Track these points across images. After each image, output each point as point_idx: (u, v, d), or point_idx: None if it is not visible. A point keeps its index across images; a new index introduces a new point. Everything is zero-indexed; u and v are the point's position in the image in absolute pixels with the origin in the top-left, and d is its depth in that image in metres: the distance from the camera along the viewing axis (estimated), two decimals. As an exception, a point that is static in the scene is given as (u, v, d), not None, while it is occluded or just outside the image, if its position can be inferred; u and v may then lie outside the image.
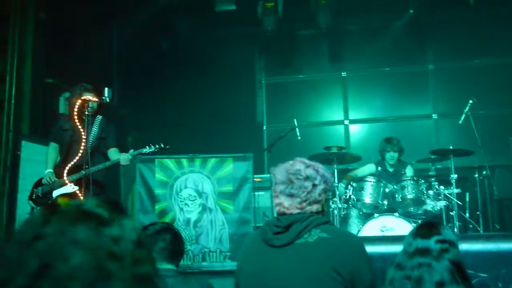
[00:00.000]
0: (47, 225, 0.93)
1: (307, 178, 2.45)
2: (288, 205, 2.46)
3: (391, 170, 7.11)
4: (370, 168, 7.26)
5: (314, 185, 2.45)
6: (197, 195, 8.00)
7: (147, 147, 5.46)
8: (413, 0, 8.64)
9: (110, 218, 0.96)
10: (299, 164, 2.49)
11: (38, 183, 5.56)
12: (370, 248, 2.50)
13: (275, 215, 7.14)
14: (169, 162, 8.01)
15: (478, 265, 2.75)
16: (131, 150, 5.45)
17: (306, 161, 2.53)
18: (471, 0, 8.27)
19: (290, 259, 2.38)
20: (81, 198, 5.07)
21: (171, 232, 3.02)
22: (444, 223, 6.39)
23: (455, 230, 6.24)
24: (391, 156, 7.02)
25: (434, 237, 2.41)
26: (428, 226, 2.53)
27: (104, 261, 0.90)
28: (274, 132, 9.16)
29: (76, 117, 5.33)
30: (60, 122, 5.65)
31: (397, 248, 3.64)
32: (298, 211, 2.45)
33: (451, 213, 6.51)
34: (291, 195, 2.45)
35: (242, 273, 2.58)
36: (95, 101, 5.26)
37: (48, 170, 5.55)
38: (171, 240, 3.01)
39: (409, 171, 7.05)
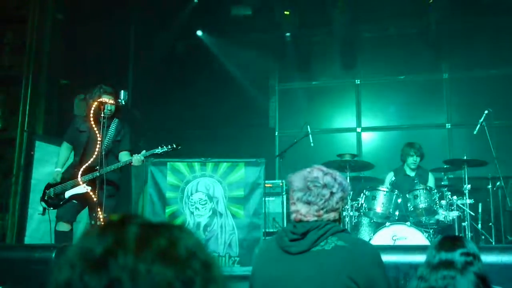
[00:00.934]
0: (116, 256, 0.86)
1: (325, 186, 2.45)
2: (305, 212, 2.46)
3: (412, 174, 7.18)
4: (389, 177, 7.31)
5: (332, 193, 2.45)
6: (208, 199, 8.01)
7: (159, 147, 5.49)
8: (431, 8, 8.62)
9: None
10: (317, 172, 2.49)
11: (50, 184, 5.59)
12: (384, 257, 2.49)
13: (285, 221, 7.15)
14: (181, 166, 8.03)
15: (493, 277, 2.72)
16: (143, 151, 5.48)
17: (324, 168, 2.52)
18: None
19: (306, 267, 2.38)
20: (94, 198, 5.10)
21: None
22: (456, 233, 6.36)
23: (468, 241, 6.19)
24: (413, 160, 7.12)
25: (459, 250, 2.40)
26: (452, 239, 2.53)
27: None
28: (286, 138, 9.15)
29: (92, 118, 5.37)
30: (77, 123, 5.69)
31: (411, 258, 3.63)
32: (315, 218, 2.45)
33: (463, 223, 6.48)
34: (308, 203, 2.45)
35: (257, 279, 2.57)
36: (112, 104, 5.29)
37: (56, 169, 5.61)
38: None
39: (431, 179, 7.13)
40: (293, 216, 2.53)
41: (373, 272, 2.38)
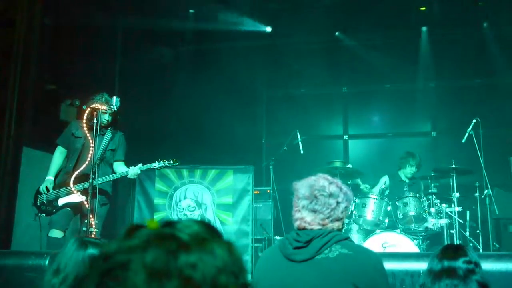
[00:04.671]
0: (118, 247, 0.86)
1: (331, 195, 2.47)
2: (311, 220, 2.46)
3: (407, 181, 7.34)
4: (384, 180, 7.40)
5: (338, 203, 2.47)
6: (196, 205, 8.00)
7: (156, 162, 5.48)
8: (418, 18, 8.72)
9: (190, 243, 0.87)
10: (323, 181, 2.50)
11: (41, 191, 5.53)
12: (382, 265, 2.51)
13: (273, 228, 7.12)
14: (170, 172, 8.01)
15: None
16: (140, 164, 5.46)
17: (329, 177, 2.54)
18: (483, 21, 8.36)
19: (310, 274, 2.39)
20: (87, 206, 5.06)
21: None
22: (445, 241, 6.43)
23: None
24: (411, 170, 7.35)
25: (461, 258, 2.43)
26: (454, 248, 2.56)
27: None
28: (274, 145, 9.17)
29: (85, 125, 5.34)
30: (72, 129, 5.64)
31: (407, 265, 3.66)
32: (320, 227, 2.46)
33: (451, 231, 6.55)
34: (314, 211, 2.46)
35: (260, 287, 2.57)
36: (105, 110, 5.27)
37: (48, 178, 5.53)
38: None
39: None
40: (296, 223, 2.53)
41: (376, 280, 2.40)
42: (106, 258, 0.85)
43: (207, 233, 0.91)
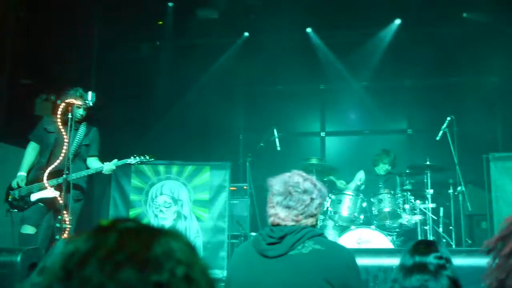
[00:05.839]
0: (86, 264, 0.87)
1: (305, 191, 2.48)
2: (284, 216, 2.48)
3: (382, 173, 7.45)
4: (359, 175, 7.46)
5: (312, 199, 2.49)
6: (172, 202, 7.97)
7: (132, 157, 5.44)
8: (394, 17, 8.81)
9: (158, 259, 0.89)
10: (297, 177, 2.52)
11: (13, 186, 5.45)
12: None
13: (249, 224, 7.13)
14: (146, 168, 7.96)
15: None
16: (115, 160, 5.42)
17: (304, 174, 2.55)
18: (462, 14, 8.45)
19: (284, 270, 2.39)
20: (60, 201, 5.00)
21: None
22: (419, 236, 6.51)
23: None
24: (385, 168, 7.41)
25: (432, 254, 2.46)
26: (426, 243, 2.59)
27: None
28: (251, 141, 9.17)
29: (59, 120, 5.27)
30: (45, 124, 5.58)
31: (380, 261, 3.70)
32: (293, 223, 2.47)
33: (425, 227, 6.64)
34: (288, 207, 2.47)
35: (234, 283, 2.57)
36: (80, 105, 5.21)
37: (20, 173, 5.46)
38: None
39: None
40: (270, 219, 2.54)
41: (349, 276, 2.42)
42: (69, 255, 0.88)
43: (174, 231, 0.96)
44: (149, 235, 0.92)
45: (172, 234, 0.96)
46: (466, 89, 8.95)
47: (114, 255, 0.86)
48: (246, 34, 9.57)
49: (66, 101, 5.11)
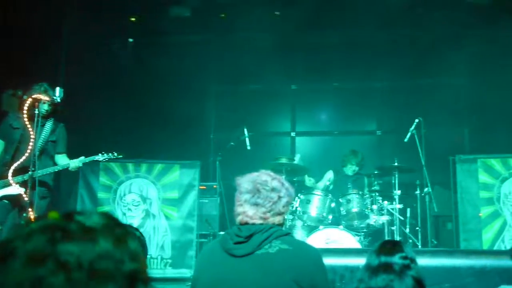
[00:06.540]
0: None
1: (273, 189, 2.50)
2: (252, 214, 2.48)
3: (350, 174, 7.48)
4: (328, 175, 7.51)
5: (280, 197, 2.50)
6: (141, 200, 7.92)
7: (99, 154, 5.40)
8: (365, 19, 8.87)
9: (74, 232, 0.97)
10: (265, 176, 2.54)
11: None
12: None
13: (218, 223, 7.11)
14: (114, 166, 7.89)
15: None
16: (82, 157, 5.37)
17: (272, 173, 2.58)
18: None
19: (250, 270, 2.39)
20: (26, 198, 4.91)
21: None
22: (386, 237, 6.59)
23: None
24: (352, 169, 7.44)
25: (398, 254, 2.49)
26: (392, 244, 2.62)
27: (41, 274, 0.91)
28: (222, 140, 9.14)
29: (26, 116, 5.18)
30: (10, 120, 5.47)
31: (347, 260, 3.73)
32: (261, 221, 2.48)
33: (392, 227, 6.73)
34: (256, 204, 2.48)
35: (200, 282, 2.56)
36: (46, 101, 5.13)
37: None
38: None
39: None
40: (238, 218, 2.54)
41: (316, 275, 2.43)
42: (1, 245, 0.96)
43: (100, 224, 1.01)
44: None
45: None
46: (434, 91, 9.07)
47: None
48: (218, 32, 9.53)
49: (33, 96, 5.03)
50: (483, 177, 7.47)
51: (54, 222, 0.98)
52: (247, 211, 2.50)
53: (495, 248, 7.16)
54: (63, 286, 0.91)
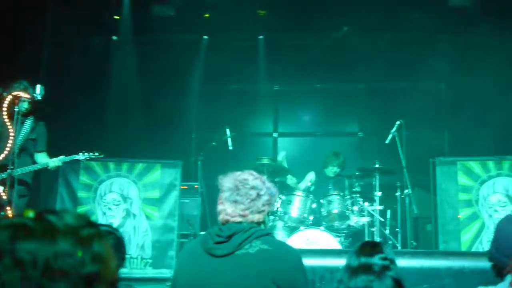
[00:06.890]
0: None
1: (253, 187, 2.51)
2: (232, 211, 2.49)
3: (332, 175, 7.51)
4: (310, 176, 7.53)
5: (259, 195, 2.51)
6: (121, 199, 7.86)
7: (80, 153, 5.37)
8: (347, 21, 8.94)
9: (36, 231, 0.99)
10: (247, 175, 2.55)
11: None
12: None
13: (200, 223, 7.08)
14: (95, 165, 7.83)
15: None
16: (62, 156, 5.32)
17: (254, 173, 2.59)
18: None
19: (230, 270, 2.40)
20: (4, 197, 4.86)
21: (113, 237, 2.91)
22: (366, 238, 6.63)
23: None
24: (333, 171, 7.49)
25: (377, 255, 2.50)
26: (372, 244, 2.63)
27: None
28: (204, 140, 9.13)
29: (5, 113, 5.12)
30: None
31: (327, 261, 3.75)
32: (241, 219, 2.48)
33: (372, 229, 6.77)
34: (235, 201, 2.49)
35: (180, 281, 2.55)
36: (26, 98, 5.07)
37: None
38: (113, 246, 2.91)
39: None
40: (220, 217, 2.55)
41: (295, 276, 2.45)
42: None
43: (68, 224, 1.03)
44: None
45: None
46: (416, 94, 9.14)
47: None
48: (202, 32, 9.53)
49: (12, 94, 4.97)
50: (463, 180, 7.54)
51: (20, 220, 1.01)
52: (227, 209, 2.51)
53: (474, 249, 7.23)
54: (18, 283, 0.94)
